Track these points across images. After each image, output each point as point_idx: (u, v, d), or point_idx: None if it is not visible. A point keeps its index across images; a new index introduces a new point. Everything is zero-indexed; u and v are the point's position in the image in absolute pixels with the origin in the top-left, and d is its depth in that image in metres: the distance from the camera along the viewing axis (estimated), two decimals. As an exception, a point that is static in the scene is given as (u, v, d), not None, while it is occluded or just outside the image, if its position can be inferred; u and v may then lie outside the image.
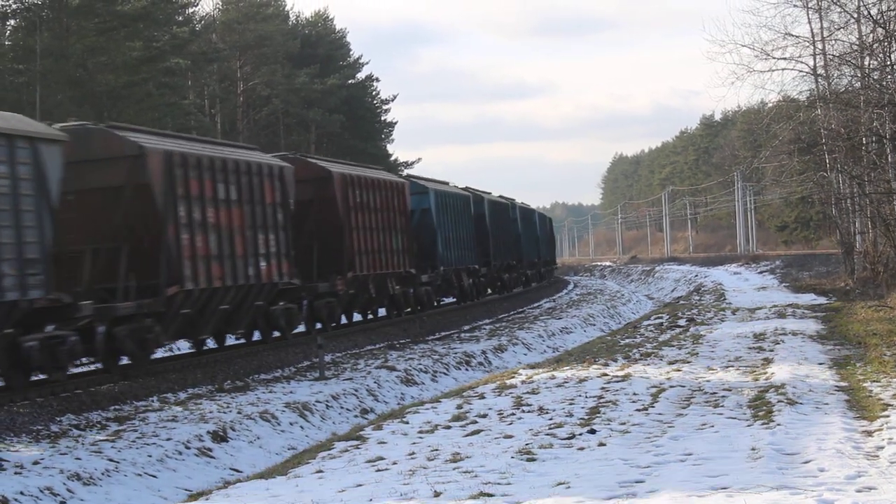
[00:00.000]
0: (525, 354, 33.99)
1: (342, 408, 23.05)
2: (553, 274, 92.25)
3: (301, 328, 34.06)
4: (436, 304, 48.08)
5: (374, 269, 37.04)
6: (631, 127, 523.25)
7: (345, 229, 34.89)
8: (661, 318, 39.01)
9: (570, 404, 18.09)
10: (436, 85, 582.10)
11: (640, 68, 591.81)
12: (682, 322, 35.89)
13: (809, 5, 49.49)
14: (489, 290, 60.27)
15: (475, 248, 52.04)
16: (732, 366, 22.60)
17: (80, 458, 16.57)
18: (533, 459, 13.56)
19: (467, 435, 15.73)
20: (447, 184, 52.86)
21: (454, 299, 52.07)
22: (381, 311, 42.14)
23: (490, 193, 61.52)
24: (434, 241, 45.15)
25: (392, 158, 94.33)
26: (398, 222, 39.67)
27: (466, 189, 55.75)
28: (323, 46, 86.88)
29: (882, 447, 13.21)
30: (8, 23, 58.35)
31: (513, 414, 17.47)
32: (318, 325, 34.72)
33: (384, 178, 39.51)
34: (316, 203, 34.33)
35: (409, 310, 42.06)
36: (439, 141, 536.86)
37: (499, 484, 12.16)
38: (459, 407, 18.66)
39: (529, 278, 72.54)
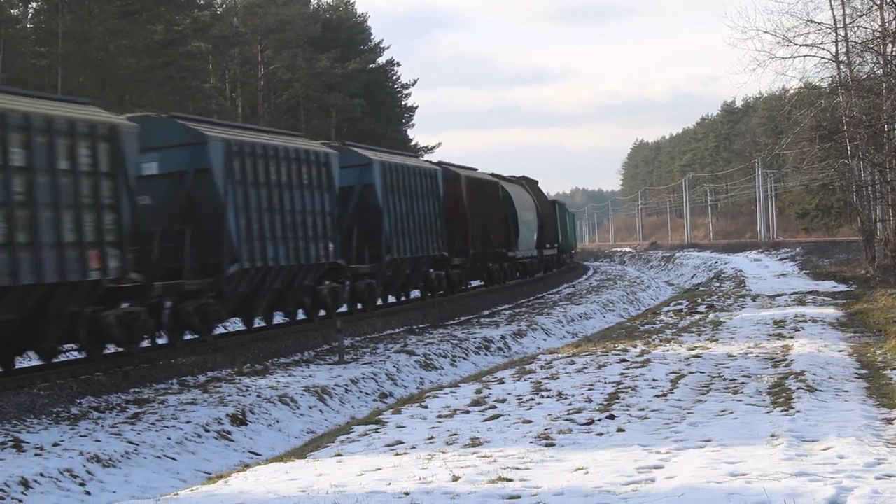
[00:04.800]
0: (544, 340, 33.96)
1: (361, 392, 23.06)
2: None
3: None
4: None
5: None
6: (649, 113, 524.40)
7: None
8: (680, 304, 38.98)
9: (590, 390, 18.08)
10: (454, 70, 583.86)
11: (658, 55, 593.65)
12: (701, 308, 35.87)
13: (832, -8, 49.32)
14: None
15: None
16: (752, 352, 22.56)
17: (99, 441, 16.62)
18: (552, 445, 13.56)
19: (486, 420, 15.74)
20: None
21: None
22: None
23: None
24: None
25: (413, 143, 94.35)
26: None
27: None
28: (344, 31, 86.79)
29: (902, 435, 13.19)
30: (30, 5, 58.53)
31: (532, 399, 17.46)
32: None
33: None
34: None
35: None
36: (457, 126, 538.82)
37: (517, 469, 12.16)
38: (478, 392, 18.67)
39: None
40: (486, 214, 50.63)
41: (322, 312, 33.44)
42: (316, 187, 31.58)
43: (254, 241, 28.38)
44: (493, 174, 56.99)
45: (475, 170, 52.96)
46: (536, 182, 72.16)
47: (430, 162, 45.07)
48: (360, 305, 36.76)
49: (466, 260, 46.64)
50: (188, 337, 27.75)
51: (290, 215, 30.17)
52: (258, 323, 32.55)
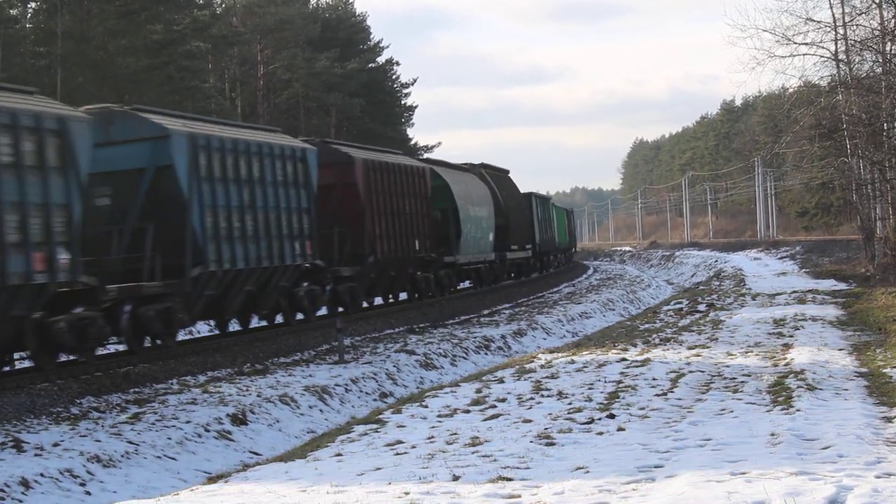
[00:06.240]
0: (544, 339, 33.97)
1: (361, 391, 23.07)
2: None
3: None
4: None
5: None
6: (648, 112, 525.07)
7: None
8: (680, 303, 38.95)
9: (590, 389, 18.08)
10: (452, 69, 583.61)
11: (655, 53, 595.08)
12: (701, 307, 35.86)
13: (831, -10, 49.40)
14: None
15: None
16: (752, 351, 22.56)
17: (99, 441, 16.62)
18: (552, 444, 13.55)
19: (486, 419, 15.73)
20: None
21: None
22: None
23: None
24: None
25: (412, 142, 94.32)
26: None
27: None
28: (343, 30, 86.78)
29: (902, 433, 13.18)
30: (29, 5, 58.52)
31: (532, 398, 17.46)
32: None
33: None
34: None
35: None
36: (455, 125, 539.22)
37: (518, 468, 12.16)
38: (479, 391, 18.67)
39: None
40: (401, 210, 39.23)
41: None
42: (31, 168, 21.04)
43: None
44: (426, 159, 48.53)
45: (397, 153, 43.84)
46: (507, 172, 62.81)
47: (307, 140, 34.60)
48: (154, 341, 26.47)
49: (365, 269, 36.08)
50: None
51: None
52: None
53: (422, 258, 41.40)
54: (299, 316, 32.62)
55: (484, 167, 56.52)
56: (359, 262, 35.91)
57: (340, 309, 35.13)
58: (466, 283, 51.25)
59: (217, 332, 31.90)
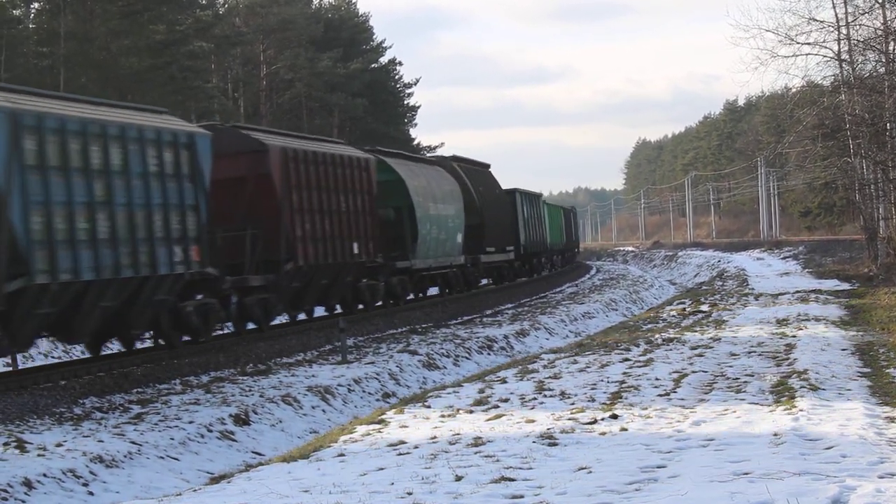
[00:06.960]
0: (547, 339, 33.94)
1: (364, 392, 23.05)
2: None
3: None
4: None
5: None
6: (650, 112, 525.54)
7: None
8: (683, 303, 38.93)
9: (593, 389, 18.07)
10: (455, 69, 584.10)
11: (657, 53, 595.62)
12: (704, 307, 35.84)
13: (834, -10, 49.41)
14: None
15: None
16: (755, 351, 22.54)
17: (102, 441, 16.61)
18: (555, 444, 13.55)
19: (489, 419, 15.73)
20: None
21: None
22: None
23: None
24: None
25: (415, 142, 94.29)
26: None
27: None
28: (346, 30, 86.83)
29: (905, 434, 13.17)
30: (32, 5, 58.55)
31: (535, 398, 17.45)
32: None
33: None
34: None
35: None
36: (458, 126, 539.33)
37: (520, 468, 12.15)
38: (481, 391, 18.66)
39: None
40: (335, 207, 32.94)
41: None
42: None
43: None
44: (376, 150, 41.24)
45: (338, 142, 38.00)
46: (487, 166, 56.50)
47: (207, 126, 29.35)
48: None
49: (283, 278, 30.08)
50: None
51: None
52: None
53: (362, 263, 35.01)
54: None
55: (456, 160, 50.44)
56: (273, 269, 29.88)
57: (250, 325, 30.04)
58: (434, 290, 46.14)
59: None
